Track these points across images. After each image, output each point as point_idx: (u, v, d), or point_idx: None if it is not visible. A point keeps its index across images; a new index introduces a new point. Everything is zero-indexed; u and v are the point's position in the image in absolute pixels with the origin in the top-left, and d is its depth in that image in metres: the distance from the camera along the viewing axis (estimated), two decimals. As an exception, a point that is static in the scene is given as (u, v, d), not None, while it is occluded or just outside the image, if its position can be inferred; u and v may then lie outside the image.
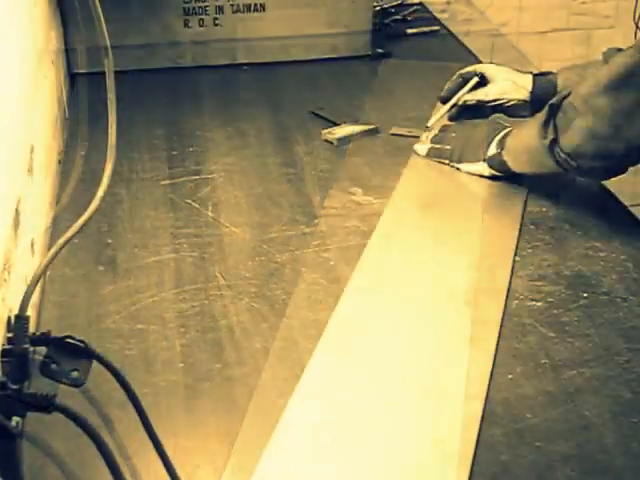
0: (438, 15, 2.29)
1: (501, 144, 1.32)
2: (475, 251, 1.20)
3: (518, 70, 1.46)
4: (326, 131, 1.54)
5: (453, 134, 1.42)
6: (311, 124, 1.59)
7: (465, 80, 1.48)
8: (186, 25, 1.82)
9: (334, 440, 0.89)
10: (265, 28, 1.86)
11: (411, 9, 2.21)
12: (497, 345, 1.02)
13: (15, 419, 0.67)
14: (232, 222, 1.28)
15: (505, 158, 1.31)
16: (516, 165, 1.31)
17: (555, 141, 1.19)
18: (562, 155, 1.19)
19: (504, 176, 1.35)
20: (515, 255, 1.19)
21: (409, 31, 2.09)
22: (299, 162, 1.46)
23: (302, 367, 0.98)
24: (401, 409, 0.93)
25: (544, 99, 1.30)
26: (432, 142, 1.44)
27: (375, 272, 1.16)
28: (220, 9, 1.83)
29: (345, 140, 1.52)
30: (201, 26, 1.83)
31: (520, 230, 1.25)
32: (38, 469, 0.85)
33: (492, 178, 1.36)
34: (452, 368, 0.99)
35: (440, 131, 1.45)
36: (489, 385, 0.96)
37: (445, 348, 1.02)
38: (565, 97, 1.21)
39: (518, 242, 1.22)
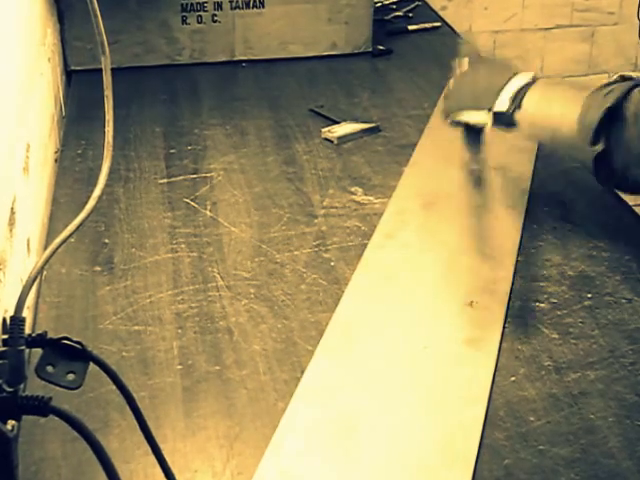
0: (440, 11, 2.29)
1: (515, 101, 1.14)
2: (477, 251, 1.20)
3: None
4: (326, 129, 1.54)
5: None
6: (311, 122, 1.59)
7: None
8: (184, 22, 1.82)
9: (335, 444, 0.88)
10: (264, 24, 1.86)
11: (412, 5, 2.21)
12: (500, 347, 1.02)
13: (10, 422, 0.67)
14: (231, 222, 1.28)
15: (518, 120, 1.15)
16: (531, 135, 1.18)
17: (605, 153, 1.04)
18: (607, 169, 1.06)
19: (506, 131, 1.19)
20: (518, 255, 1.19)
21: (410, 27, 2.09)
22: (299, 161, 1.45)
23: (302, 369, 0.98)
24: (403, 412, 0.93)
25: None
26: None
27: (376, 273, 1.16)
28: (219, 5, 1.82)
29: (345, 138, 1.52)
30: (199, 22, 1.83)
31: (523, 230, 1.25)
32: (34, 473, 0.85)
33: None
34: (454, 370, 0.98)
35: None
36: (491, 388, 0.96)
37: (447, 350, 1.02)
38: (623, 99, 1.04)
39: (521, 242, 1.22)
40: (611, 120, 1.04)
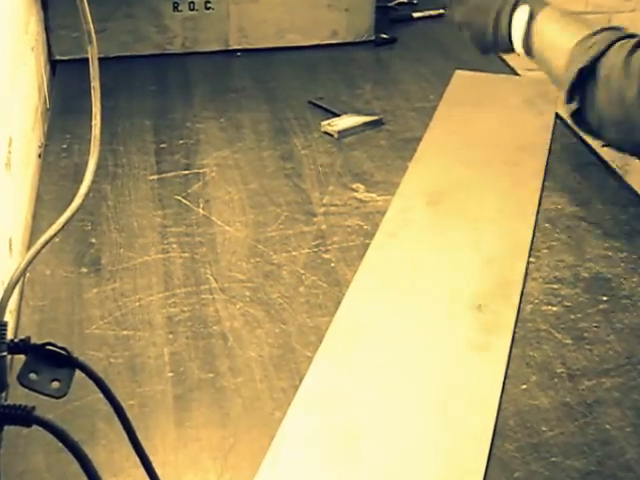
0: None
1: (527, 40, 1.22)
2: (486, 251, 1.20)
3: None
4: (326, 122, 1.54)
5: None
6: (310, 115, 1.59)
7: None
8: (175, 8, 1.82)
9: (335, 455, 0.88)
10: (260, 12, 1.86)
11: (417, -9, 2.21)
12: (510, 353, 1.02)
13: (-8, 433, 0.67)
14: (225, 220, 1.28)
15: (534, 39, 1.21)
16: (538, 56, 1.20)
17: (579, 111, 1.09)
18: (585, 126, 1.10)
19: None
20: (529, 256, 1.19)
21: (415, 15, 2.09)
22: (297, 156, 1.46)
23: (300, 377, 0.98)
24: (406, 422, 0.93)
25: None
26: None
27: (379, 274, 1.16)
28: (212, -9, 1.83)
29: (346, 132, 1.52)
30: (191, 10, 1.83)
31: (534, 229, 1.25)
32: (16, 486, 0.85)
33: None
34: (462, 378, 0.98)
35: None
36: (501, 396, 0.96)
37: (454, 356, 1.02)
38: (598, 58, 1.07)
39: (532, 242, 1.22)
40: (586, 78, 1.06)
